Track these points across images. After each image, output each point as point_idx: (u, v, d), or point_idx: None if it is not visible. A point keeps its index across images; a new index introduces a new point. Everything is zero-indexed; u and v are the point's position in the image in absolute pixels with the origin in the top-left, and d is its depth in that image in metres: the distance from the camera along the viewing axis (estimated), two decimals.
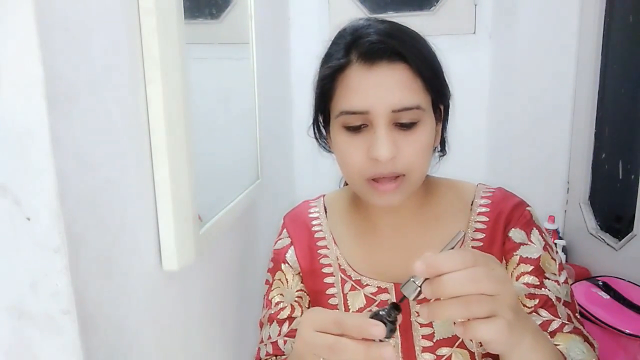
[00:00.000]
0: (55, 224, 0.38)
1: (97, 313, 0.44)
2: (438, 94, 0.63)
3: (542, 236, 0.65)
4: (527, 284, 0.62)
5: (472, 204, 0.69)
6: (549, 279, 0.62)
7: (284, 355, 0.70)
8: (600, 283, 1.18)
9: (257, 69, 1.07)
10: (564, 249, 1.43)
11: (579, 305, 1.09)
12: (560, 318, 0.60)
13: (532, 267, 0.62)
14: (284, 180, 1.62)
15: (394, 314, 0.45)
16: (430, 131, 0.62)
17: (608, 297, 1.12)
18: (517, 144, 1.66)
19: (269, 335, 0.73)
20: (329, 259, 0.73)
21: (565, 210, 1.65)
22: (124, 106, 0.49)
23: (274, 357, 0.71)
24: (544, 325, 0.60)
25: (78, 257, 0.41)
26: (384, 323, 0.44)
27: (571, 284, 1.19)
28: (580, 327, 0.61)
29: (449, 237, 0.65)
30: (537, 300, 0.61)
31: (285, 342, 0.71)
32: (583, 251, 1.52)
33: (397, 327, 0.50)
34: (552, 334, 0.59)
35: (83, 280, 0.41)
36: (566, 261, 1.42)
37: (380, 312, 0.45)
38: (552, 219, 1.58)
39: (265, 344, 0.73)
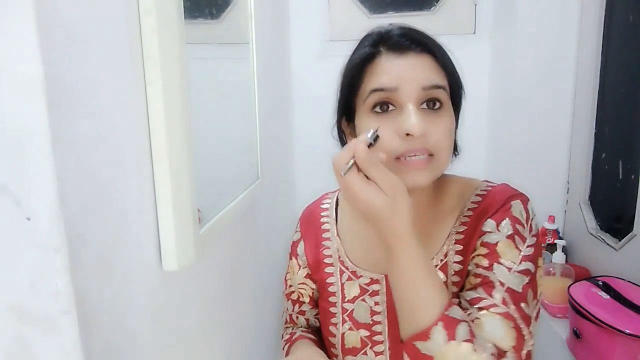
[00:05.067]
0: (55, 224, 0.38)
1: (97, 313, 0.44)
2: (457, 89, 0.67)
3: (513, 226, 0.64)
4: (477, 264, 0.64)
5: (467, 200, 0.70)
6: (502, 264, 0.62)
7: (296, 324, 0.86)
8: (600, 283, 1.17)
9: (257, 69, 1.07)
10: (564, 249, 1.42)
11: (579, 305, 1.09)
12: (492, 298, 0.60)
13: (487, 251, 0.64)
14: (284, 180, 1.62)
15: None
16: (452, 119, 0.65)
17: (608, 297, 1.11)
18: (517, 144, 1.66)
19: (287, 308, 0.88)
20: (330, 250, 0.79)
21: (565, 210, 1.65)
22: (123, 106, 0.49)
23: (292, 326, 0.87)
24: (474, 300, 0.62)
25: (78, 257, 0.41)
26: None
27: (571, 284, 1.20)
28: (517, 316, 0.60)
29: (445, 234, 0.69)
30: (479, 280, 0.63)
31: (297, 317, 0.86)
32: (583, 251, 1.52)
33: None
34: (480, 309, 0.60)
35: (83, 280, 0.41)
36: (566, 261, 1.42)
37: None
38: (552, 219, 1.58)
39: (284, 315, 0.89)
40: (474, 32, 1.76)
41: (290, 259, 0.85)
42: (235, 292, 0.98)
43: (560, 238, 1.55)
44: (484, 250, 0.64)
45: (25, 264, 0.39)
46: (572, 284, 1.20)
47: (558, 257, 1.39)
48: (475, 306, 0.61)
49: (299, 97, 1.84)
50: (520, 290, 0.61)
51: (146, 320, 0.55)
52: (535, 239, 0.65)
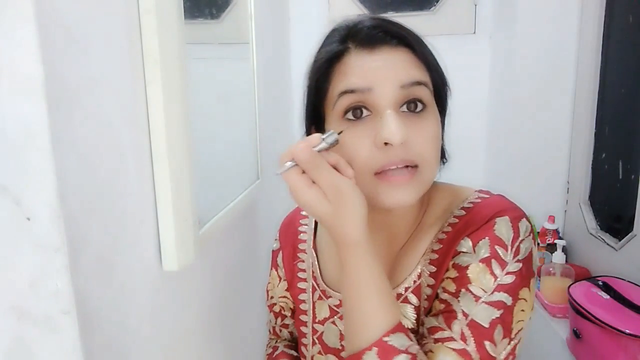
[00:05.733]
0: (55, 224, 0.38)
1: (97, 313, 0.44)
2: (441, 87, 0.59)
3: (492, 248, 0.54)
4: (444, 289, 0.56)
5: (450, 213, 0.61)
6: (470, 291, 0.53)
7: (280, 337, 0.80)
8: (600, 283, 1.18)
9: (257, 69, 1.07)
10: (564, 249, 1.42)
11: (579, 305, 1.09)
12: (450, 330, 0.52)
13: (456, 275, 0.55)
14: (284, 180, 1.62)
15: None
16: (438, 123, 0.56)
17: (608, 297, 1.11)
18: (517, 144, 1.66)
19: (269, 319, 0.81)
20: (304, 264, 0.72)
21: (565, 210, 1.65)
22: (124, 106, 0.49)
23: (275, 338, 0.81)
24: (432, 330, 0.54)
25: (78, 257, 0.41)
26: None
27: (571, 284, 1.20)
28: (476, 356, 0.50)
29: (420, 252, 0.61)
30: (442, 306, 0.55)
31: (280, 330, 0.79)
32: (583, 251, 1.52)
33: None
34: (436, 340, 0.53)
35: (83, 280, 0.41)
36: (566, 261, 1.42)
37: None
38: (552, 219, 1.58)
39: (268, 325, 0.82)
40: (474, 32, 1.76)
41: (271, 269, 0.78)
42: (235, 292, 0.98)
43: (560, 238, 1.55)
44: (453, 273, 0.55)
45: (25, 264, 0.39)
46: (572, 284, 1.20)
47: (558, 257, 1.40)
48: (432, 336, 0.53)
49: (299, 96, 1.84)
50: (486, 326, 0.51)
51: (146, 320, 0.55)
52: (520, 264, 0.53)
